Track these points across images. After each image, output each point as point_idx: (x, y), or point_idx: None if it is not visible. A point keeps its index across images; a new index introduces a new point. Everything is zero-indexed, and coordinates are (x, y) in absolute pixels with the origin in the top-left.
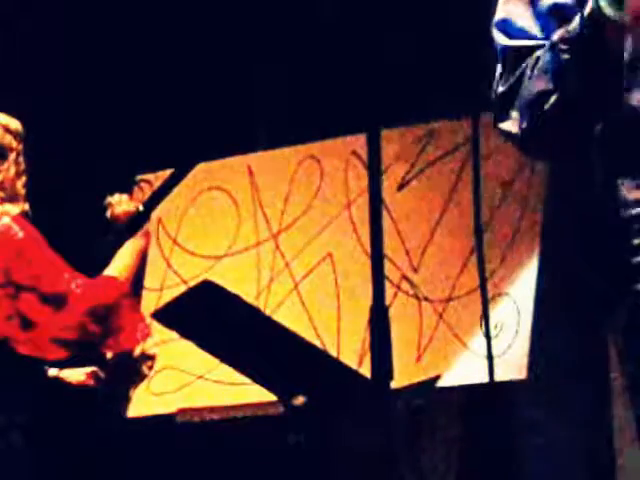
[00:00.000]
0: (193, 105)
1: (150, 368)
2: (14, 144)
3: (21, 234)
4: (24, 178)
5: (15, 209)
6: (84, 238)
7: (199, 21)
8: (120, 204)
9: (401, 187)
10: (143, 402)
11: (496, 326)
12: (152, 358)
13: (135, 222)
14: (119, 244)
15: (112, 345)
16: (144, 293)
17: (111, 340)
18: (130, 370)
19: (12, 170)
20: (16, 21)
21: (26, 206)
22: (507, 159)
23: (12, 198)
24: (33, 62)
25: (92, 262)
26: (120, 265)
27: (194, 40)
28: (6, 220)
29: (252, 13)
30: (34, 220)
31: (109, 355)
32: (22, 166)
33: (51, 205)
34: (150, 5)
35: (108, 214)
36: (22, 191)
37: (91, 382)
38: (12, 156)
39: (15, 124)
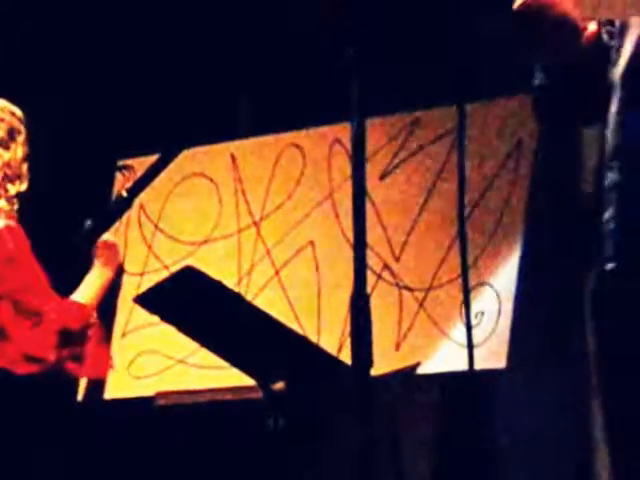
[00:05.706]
0: (176, 92)
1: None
2: (21, 128)
3: (11, 245)
4: (27, 163)
5: (14, 190)
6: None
7: (185, 11)
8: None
9: (384, 176)
10: (123, 385)
11: (477, 315)
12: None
13: (118, 208)
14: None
15: (77, 370)
16: (125, 277)
17: (76, 365)
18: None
19: (20, 152)
20: (16, 21)
21: (24, 185)
22: (492, 149)
23: (16, 178)
24: (33, 62)
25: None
26: (87, 292)
27: (179, 27)
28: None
29: (235, 1)
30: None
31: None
32: (27, 151)
33: (42, 199)
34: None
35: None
36: (26, 174)
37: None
38: (20, 139)
39: (20, 112)
